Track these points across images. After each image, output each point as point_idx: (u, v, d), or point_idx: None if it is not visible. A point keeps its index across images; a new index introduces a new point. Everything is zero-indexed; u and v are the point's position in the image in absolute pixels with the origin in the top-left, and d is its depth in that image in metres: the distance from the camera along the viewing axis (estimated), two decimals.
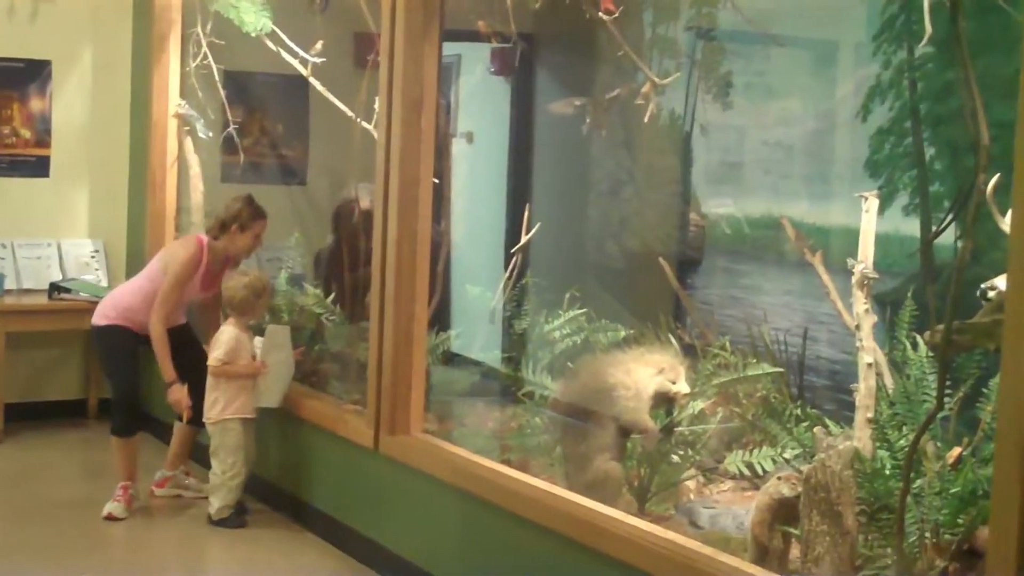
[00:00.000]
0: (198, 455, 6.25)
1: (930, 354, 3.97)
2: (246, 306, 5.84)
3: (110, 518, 5.84)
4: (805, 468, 3.76)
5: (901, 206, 4.62)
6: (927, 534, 3.69)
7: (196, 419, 5.96)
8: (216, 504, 5.81)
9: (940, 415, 3.60)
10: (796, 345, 5.09)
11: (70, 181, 7.75)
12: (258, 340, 5.91)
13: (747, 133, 5.80)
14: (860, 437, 3.93)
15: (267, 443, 6.07)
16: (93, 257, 7.76)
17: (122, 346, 6.00)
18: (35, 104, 7.65)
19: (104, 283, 7.61)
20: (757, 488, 4.47)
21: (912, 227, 4.59)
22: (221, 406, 5.80)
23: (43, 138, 7.67)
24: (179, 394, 5.89)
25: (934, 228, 4.07)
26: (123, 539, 5.74)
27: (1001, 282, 3.14)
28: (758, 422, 4.78)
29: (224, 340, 5.80)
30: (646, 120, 5.50)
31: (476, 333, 6.42)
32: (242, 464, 5.81)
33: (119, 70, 7.86)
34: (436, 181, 5.30)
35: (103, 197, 7.84)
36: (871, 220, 4.02)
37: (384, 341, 5.21)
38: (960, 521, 3.65)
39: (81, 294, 7.35)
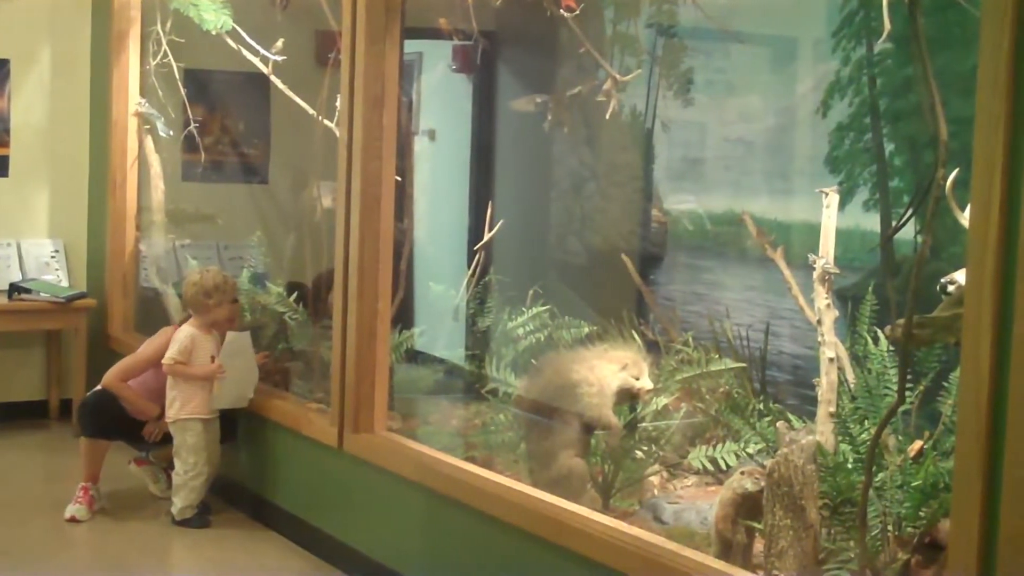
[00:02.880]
0: None
1: (891, 348, 4.00)
2: (197, 305, 5.84)
3: (72, 520, 5.81)
4: (768, 463, 3.78)
5: (861, 201, 4.65)
6: (889, 527, 3.71)
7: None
8: (179, 504, 5.79)
9: (901, 409, 3.63)
10: (758, 340, 5.11)
11: (29, 181, 7.70)
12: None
13: (708, 130, 5.83)
14: (822, 431, 3.96)
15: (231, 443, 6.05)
16: (53, 257, 7.70)
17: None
18: None
19: (65, 283, 7.57)
20: (720, 483, 4.50)
21: (872, 222, 4.63)
22: (178, 405, 5.78)
23: (2, 137, 7.60)
24: (155, 427, 5.95)
25: (894, 223, 4.11)
26: (86, 540, 5.70)
27: (961, 276, 3.17)
28: (721, 417, 4.80)
29: (179, 339, 5.80)
30: (608, 117, 5.51)
31: (440, 331, 6.41)
32: (204, 464, 5.79)
33: (78, 68, 7.80)
34: (398, 179, 5.30)
35: (63, 197, 7.79)
36: (832, 215, 4.04)
37: (347, 339, 5.20)
38: (922, 514, 3.68)
39: (42, 294, 7.30)
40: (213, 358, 5.80)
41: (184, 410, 5.77)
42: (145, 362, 5.98)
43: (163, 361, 5.77)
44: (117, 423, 5.96)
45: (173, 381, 5.80)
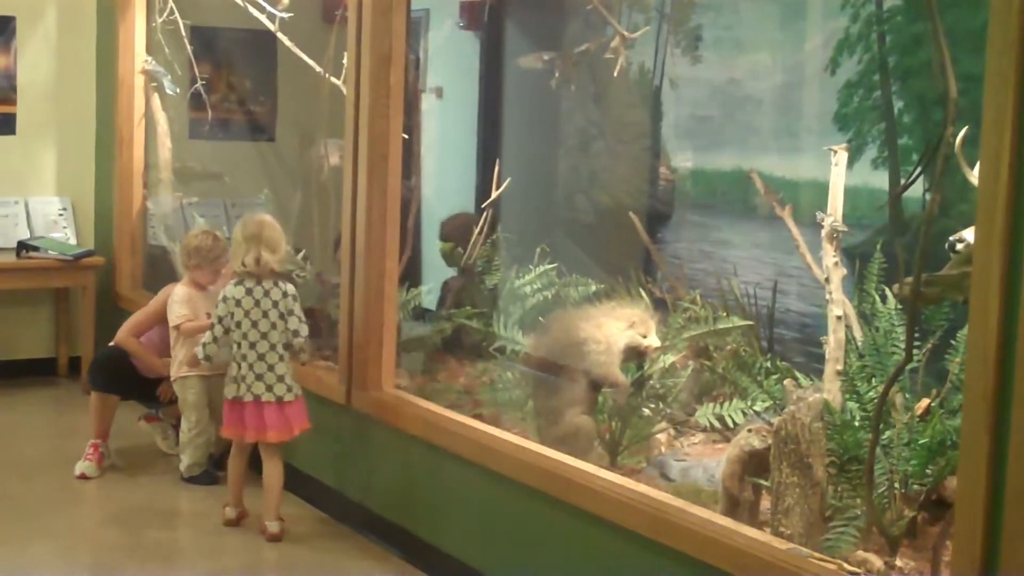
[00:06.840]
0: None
1: (899, 306, 4.00)
2: (183, 263, 5.93)
3: (82, 477, 5.84)
4: (775, 420, 3.79)
5: (870, 159, 4.64)
6: (896, 484, 3.72)
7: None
8: (186, 461, 5.81)
9: (909, 367, 3.63)
10: (766, 298, 5.11)
11: (37, 138, 7.68)
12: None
13: (716, 87, 5.80)
14: (830, 389, 3.96)
15: None
16: (61, 215, 7.71)
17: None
18: None
19: (72, 241, 7.57)
20: (728, 440, 4.51)
21: (881, 180, 4.61)
22: (179, 362, 5.81)
23: (8, 95, 7.59)
24: (168, 386, 5.98)
25: (903, 181, 4.10)
26: (95, 497, 5.73)
27: (969, 234, 3.16)
28: (728, 375, 4.81)
29: (177, 299, 5.79)
30: (615, 74, 5.49)
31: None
32: (207, 422, 5.80)
33: (84, 26, 7.78)
34: (406, 137, 5.29)
35: (70, 154, 7.78)
36: (840, 173, 4.04)
37: (355, 297, 5.20)
38: (928, 471, 3.69)
39: (50, 252, 7.31)
40: (209, 315, 5.80)
41: (183, 367, 5.79)
42: (154, 315, 5.99)
43: (174, 323, 5.76)
44: (127, 378, 5.99)
45: (177, 339, 5.80)
